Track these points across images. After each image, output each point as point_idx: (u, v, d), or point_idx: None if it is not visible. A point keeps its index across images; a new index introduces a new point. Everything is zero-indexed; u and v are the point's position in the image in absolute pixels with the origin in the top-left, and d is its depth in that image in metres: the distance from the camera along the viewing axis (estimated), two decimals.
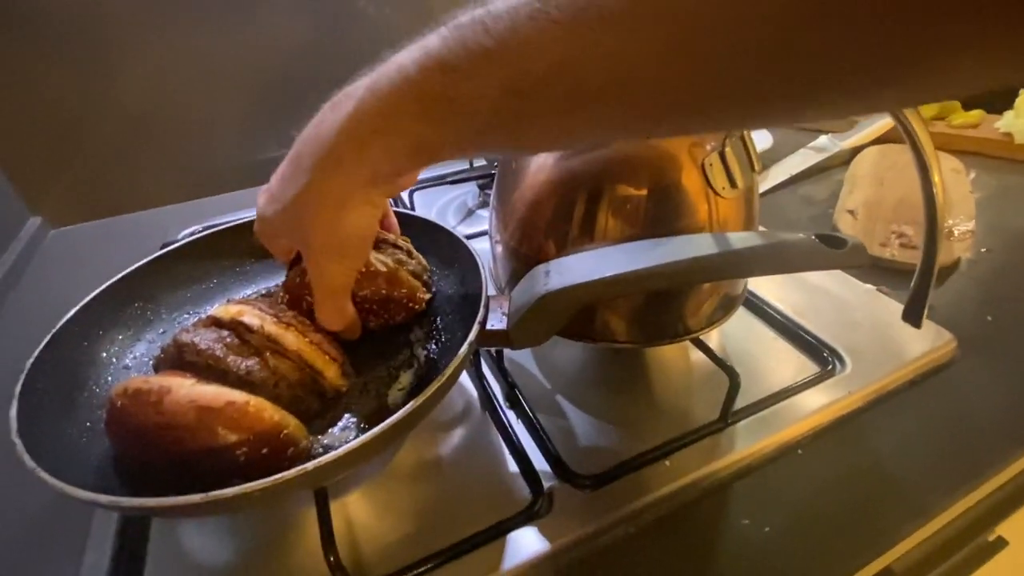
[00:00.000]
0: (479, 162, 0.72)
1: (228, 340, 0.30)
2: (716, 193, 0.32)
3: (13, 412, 0.27)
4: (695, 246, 0.29)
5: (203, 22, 0.69)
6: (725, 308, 0.39)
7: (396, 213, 0.45)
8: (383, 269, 0.36)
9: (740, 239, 0.29)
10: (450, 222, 0.63)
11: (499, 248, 0.41)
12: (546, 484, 0.34)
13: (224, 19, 0.70)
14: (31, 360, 0.30)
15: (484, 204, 0.65)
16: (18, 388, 0.28)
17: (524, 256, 0.39)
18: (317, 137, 0.26)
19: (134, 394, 0.26)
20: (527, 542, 0.31)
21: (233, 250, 0.44)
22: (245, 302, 0.33)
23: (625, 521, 0.32)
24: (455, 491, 0.35)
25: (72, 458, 0.28)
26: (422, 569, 0.30)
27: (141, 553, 0.32)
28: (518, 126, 0.21)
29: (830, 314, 0.46)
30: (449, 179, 0.66)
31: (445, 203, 0.66)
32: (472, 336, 0.30)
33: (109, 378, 0.34)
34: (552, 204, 0.36)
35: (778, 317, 0.46)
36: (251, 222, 0.44)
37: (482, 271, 0.36)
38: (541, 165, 0.36)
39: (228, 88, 0.74)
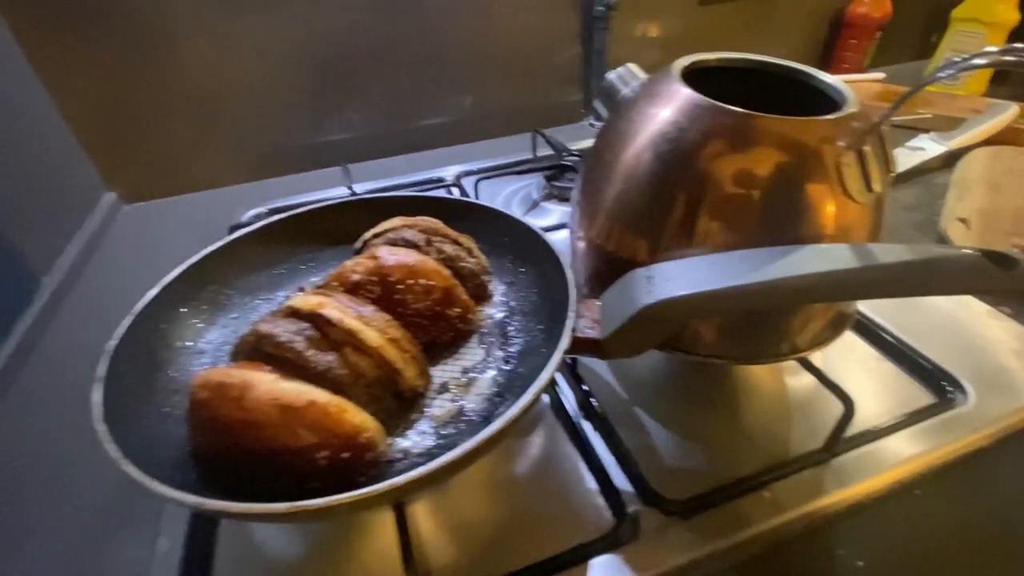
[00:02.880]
0: (545, 151, 0.69)
1: (308, 333, 0.29)
2: (850, 197, 0.28)
3: (97, 397, 0.26)
4: (831, 258, 0.25)
5: (266, 4, 0.68)
6: (835, 327, 0.34)
7: (472, 204, 0.43)
8: (442, 282, 0.33)
9: (885, 252, 0.25)
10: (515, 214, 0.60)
11: (581, 245, 0.39)
12: (629, 507, 0.31)
13: (286, 2, 0.69)
14: (115, 342, 0.30)
15: (550, 196, 0.62)
16: (103, 371, 0.28)
17: (610, 255, 0.36)
18: None
19: (216, 387, 0.25)
20: (612, 571, 0.28)
21: (303, 236, 0.43)
22: (324, 293, 0.31)
23: (721, 556, 0.29)
24: (528, 504, 0.33)
25: (151, 446, 0.27)
26: None
27: (211, 541, 0.31)
28: None
29: (946, 337, 0.41)
30: (515, 169, 0.64)
31: (509, 194, 0.64)
32: (565, 344, 0.28)
33: (184, 362, 0.34)
34: (649, 198, 0.33)
35: (886, 338, 0.41)
36: (322, 208, 0.44)
37: (567, 272, 0.33)
38: (639, 156, 0.33)
39: (291, 71, 0.74)
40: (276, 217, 0.42)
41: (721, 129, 0.30)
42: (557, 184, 0.61)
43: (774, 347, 0.34)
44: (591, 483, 0.33)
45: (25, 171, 0.55)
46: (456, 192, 0.63)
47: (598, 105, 0.39)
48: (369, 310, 0.31)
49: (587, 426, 0.36)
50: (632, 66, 0.38)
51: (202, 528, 0.32)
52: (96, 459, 0.37)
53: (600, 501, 0.32)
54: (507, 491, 0.33)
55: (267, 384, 0.25)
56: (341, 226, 0.43)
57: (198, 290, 0.37)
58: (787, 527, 0.30)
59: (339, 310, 0.29)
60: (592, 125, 0.85)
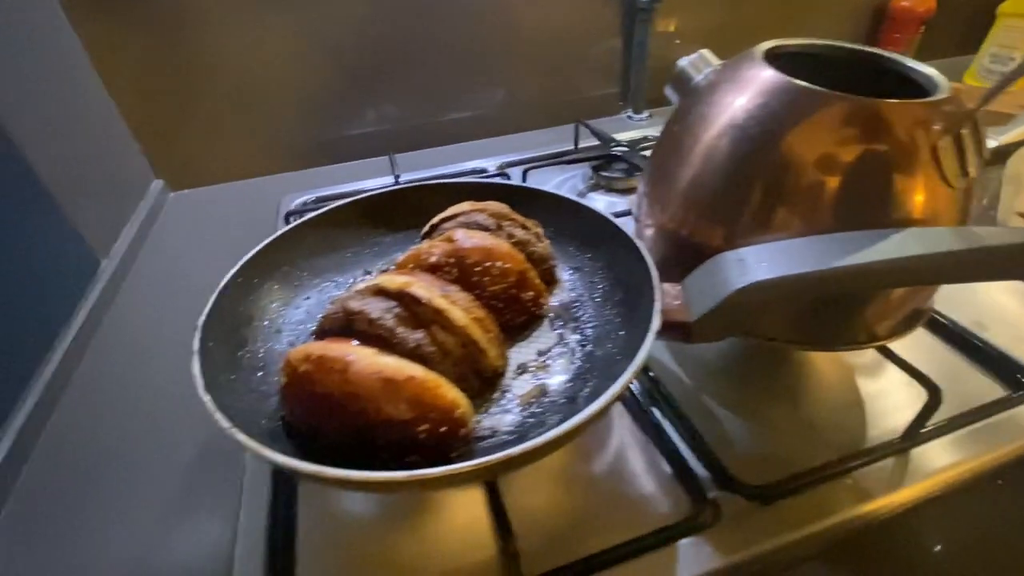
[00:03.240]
0: (590, 141, 0.69)
1: (396, 311, 0.29)
2: (945, 182, 0.28)
3: (197, 369, 0.27)
4: (935, 241, 0.25)
5: None
6: (911, 320, 0.34)
7: (537, 191, 0.43)
8: (517, 265, 0.34)
9: (990, 235, 0.25)
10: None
11: (649, 232, 0.39)
12: (708, 492, 0.31)
13: None
14: (203, 317, 0.30)
15: (597, 186, 0.62)
16: (197, 344, 0.28)
17: (684, 240, 0.35)
18: None
19: (318, 360, 0.25)
20: (696, 554, 0.28)
21: (367, 221, 0.43)
22: (407, 272, 0.32)
23: (806, 542, 0.29)
24: (603, 488, 0.33)
25: (245, 418, 0.27)
26: (586, 569, 0.28)
27: (292, 512, 0.32)
28: None
29: (1014, 329, 0.41)
30: (561, 159, 0.64)
31: (556, 184, 0.64)
32: (656, 325, 0.28)
33: (264, 339, 0.34)
34: (732, 182, 0.33)
35: (954, 330, 0.40)
36: (387, 193, 0.44)
37: (646, 257, 0.33)
38: (720, 140, 0.33)
39: (329, 63, 0.74)
40: (343, 202, 0.42)
41: (814, 111, 0.29)
42: (605, 174, 0.60)
43: (852, 335, 0.33)
44: (664, 468, 0.33)
45: (85, 157, 0.56)
46: (516, 179, 0.63)
47: (669, 92, 0.39)
48: (453, 289, 0.31)
49: (655, 412, 0.36)
50: (705, 52, 0.38)
51: (283, 499, 0.32)
52: (167, 434, 0.39)
53: (674, 486, 0.32)
54: (580, 476, 0.33)
55: (368, 358, 0.25)
56: (404, 212, 0.43)
57: (272, 271, 0.37)
58: (872, 515, 0.30)
59: (426, 289, 0.30)
60: (630, 118, 0.85)
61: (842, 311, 0.33)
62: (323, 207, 0.42)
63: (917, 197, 0.29)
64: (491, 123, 0.83)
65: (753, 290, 0.27)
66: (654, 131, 0.74)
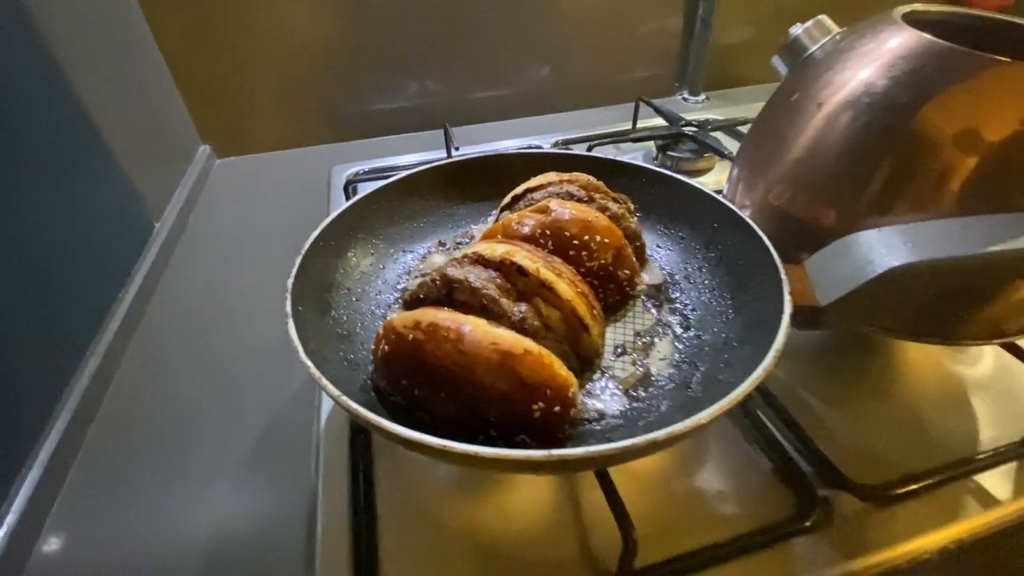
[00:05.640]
0: (656, 121, 0.66)
1: (498, 281, 0.27)
2: None
3: (294, 333, 0.25)
4: None
5: None
6: None
7: (621, 164, 0.40)
8: (615, 241, 0.31)
9: None
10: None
11: (746, 212, 0.36)
12: (818, 490, 0.29)
13: None
14: (291, 279, 0.29)
15: (662, 166, 0.59)
16: (290, 307, 0.27)
17: (789, 219, 0.33)
18: None
19: (430, 328, 0.24)
20: (812, 556, 0.27)
21: (441, 191, 0.41)
22: (506, 241, 0.30)
23: (931, 549, 0.27)
24: (698, 479, 0.31)
25: (341, 387, 0.26)
26: (696, 564, 0.26)
27: (371, 482, 0.31)
28: None
29: None
30: (626, 137, 0.61)
31: None
32: (790, 308, 0.25)
33: (346, 305, 0.33)
34: (848, 159, 0.30)
35: None
36: (460, 162, 0.42)
37: (760, 234, 0.31)
38: (836, 113, 0.30)
39: (369, 35, 0.72)
40: (421, 168, 0.40)
41: (968, 77, 0.27)
42: (673, 154, 0.58)
43: (976, 329, 0.31)
44: (757, 460, 0.31)
45: (139, 117, 0.55)
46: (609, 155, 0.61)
47: (777, 63, 0.36)
48: (558, 261, 0.29)
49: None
50: (823, 18, 0.35)
51: (363, 474, 0.31)
52: (229, 398, 0.37)
53: (773, 481, 0.30)
54: (672, 467, 0.31)
55: (483, 328, 0.24)
56: (479, 182, 0.41)
57: (350, 238, 0.36)
58: (1001, 522, 0.28)
59: (530, 259, 0.28)
60: (685, 100, 0.81)
61: (965, 303, 0.31)
62: (385, 177, 0.40)
63: None
64: (533, 102, 0.81)
65: (901, 273, 0.24)
66: (715, 114, 0.71)
